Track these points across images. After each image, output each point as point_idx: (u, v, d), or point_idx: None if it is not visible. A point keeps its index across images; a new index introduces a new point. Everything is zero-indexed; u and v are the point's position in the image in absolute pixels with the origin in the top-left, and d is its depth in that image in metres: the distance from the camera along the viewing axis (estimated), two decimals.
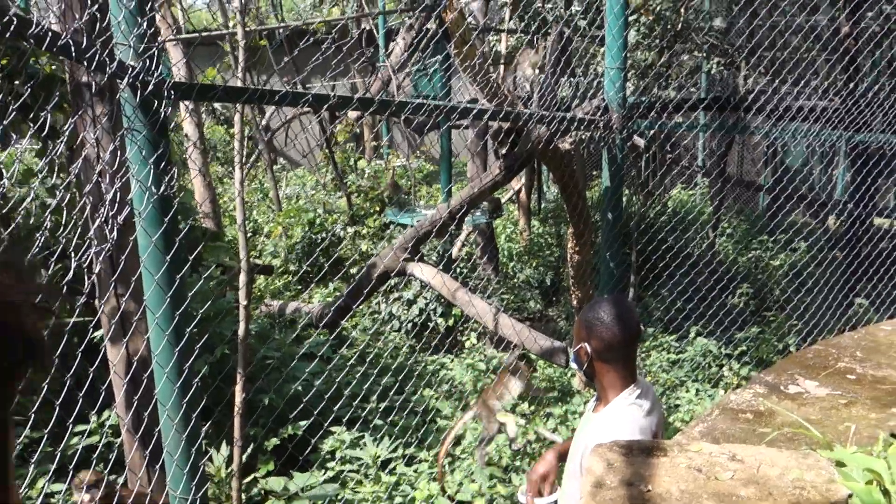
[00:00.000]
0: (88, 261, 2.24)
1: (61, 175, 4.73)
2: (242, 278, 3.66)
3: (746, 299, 9.11)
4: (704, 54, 6.71)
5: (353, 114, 10.70)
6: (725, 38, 6.52)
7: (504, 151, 4.19)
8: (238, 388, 3.75)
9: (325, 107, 2.44)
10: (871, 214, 11.02)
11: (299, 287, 8.73)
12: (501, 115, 3.21)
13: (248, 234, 9.51)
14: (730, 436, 2.37)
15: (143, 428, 4.07)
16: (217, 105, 14.42)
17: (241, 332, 3.67)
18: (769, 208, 13.38)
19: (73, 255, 2.11)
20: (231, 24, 9.83)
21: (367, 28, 11.34)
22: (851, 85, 7.90)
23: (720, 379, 6.86)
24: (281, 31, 10.09)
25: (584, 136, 4.37)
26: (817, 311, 8.22)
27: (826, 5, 8.47)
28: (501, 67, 6.20)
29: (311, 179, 11.21)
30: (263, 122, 10.68)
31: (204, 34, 8.52)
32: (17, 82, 3.90)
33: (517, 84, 4.11)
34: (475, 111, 3.02)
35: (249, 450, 4.50)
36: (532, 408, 5.26)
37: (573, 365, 2.55)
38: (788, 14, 7.20)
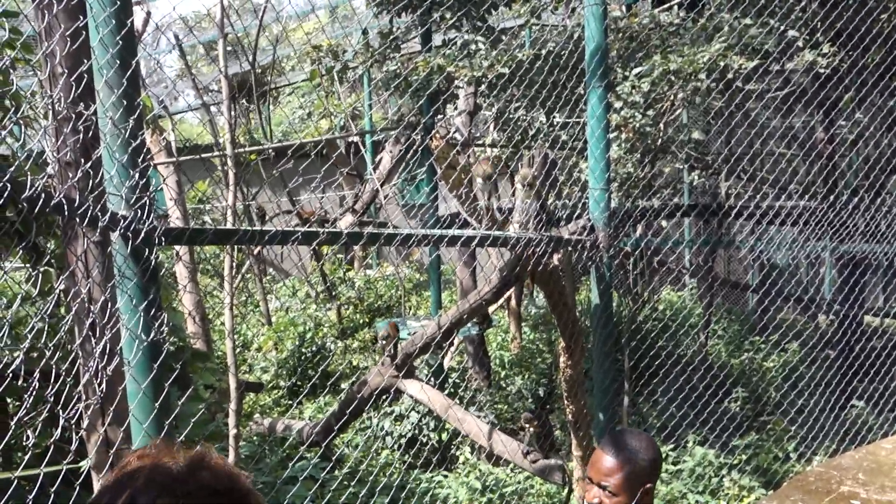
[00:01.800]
0: (77, 414, 2.20)
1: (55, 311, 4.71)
2: (233, 404, 3.60)
3: (742, 404, 9.03)
4: (685, 166, 6.89)
5: (342, 224, 10.83)
6: (704, 149, 6.71)
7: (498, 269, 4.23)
8: None
9: (315, 243, 2.48)
10: (861, 313, 11.08)
11: (290, 402, 8.60)
12: (489, 241, 3.26)
13: (237, 350, 9.43)
14: None
15: None
16: (207, 219, 14.57)
17: (231, 458, 3.58)
18: (758, 308, 13.43)
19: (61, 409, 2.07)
20: (221, 138, 10.07)
21: (354, 140, 11.62)
22: (829, 189, 8.08)
23: (720, 489, 6.70)
24: (269, 147, 10.32)
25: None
26: (814, 414, 8.13)
27: (799, 109, 8.75)
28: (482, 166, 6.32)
29: (302, 290, 11.22)
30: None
31: (193, 151, 8.69)
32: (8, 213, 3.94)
33: (502, 208, 4.18)
34: (463, 238, 3.06)
35: None
36: None
37: None
38: (764, 119, 7.45)
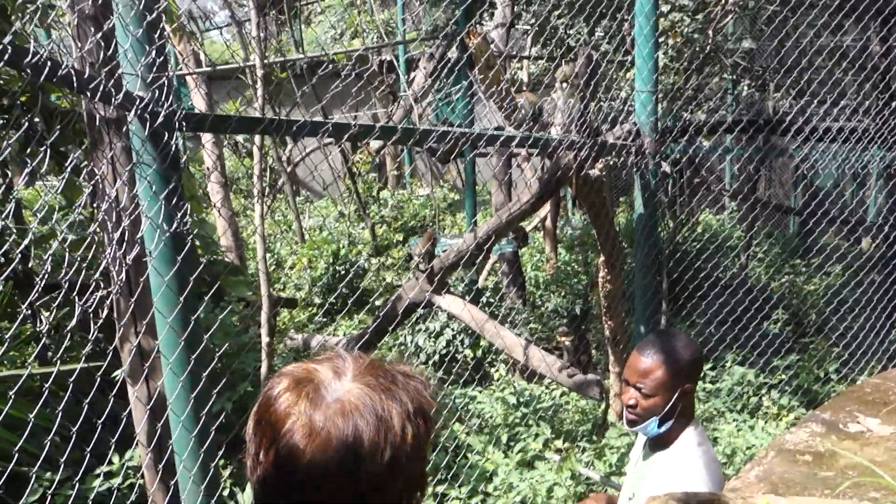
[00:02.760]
0: (100, 300, 2.12)
1: (83, 212, 4.66)
2: (265, 314, 3.53)
3: (782, 325, 8.86)
4: (734, 76, 6.55)
5: (375, 144, 10.65)
6: (754, 59, 6.36)
7: (537, 178, 4.06)
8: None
9: (346, 136, 2.33)
10: None
11: (324, 320, 8.62)
12: (530, 142, 3.08)
13: (271, 267, 9.43)
14: (789, 481, 2.18)
15: (163, 463, 3.95)
16: (240, 137, 14.48)
17: (263, 369, 3.54)
18: (800, 231, 13.10)
19: (82, 293, 1.99)
20: (252, 57, 9.86)
21: (388, 58, 11.32)
22: (883, 104, 7.68)
23: (758, 408, 6.60)
24: (301, 63, 10.10)
25: (614, 162, 4.23)
26: (857, 336, 7.94)
27: (852, 23, 8.27)
28: (526, 95, 6.09)
29: (334, 211, 11.14)
30: (286, 153, 10.66)
31: (222, 67, 8.52)
32: (35, 118, 3.85)
33: (545, 109, 3.98)
34: (502, 138, 2.89)
35: None
36: (566, 444, 5.06)
37: (651, 421, 2.39)
38: (817, 34, 7.05)
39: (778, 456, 2.30)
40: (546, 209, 10.72)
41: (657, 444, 2.48)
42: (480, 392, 6.34)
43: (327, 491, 1.03)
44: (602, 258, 4.90)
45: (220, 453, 2.34)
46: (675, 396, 2.38)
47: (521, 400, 5.99)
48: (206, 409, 2.18)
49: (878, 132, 5.64)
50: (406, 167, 12.99)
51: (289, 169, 10.98)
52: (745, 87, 6.51)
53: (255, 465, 1.08)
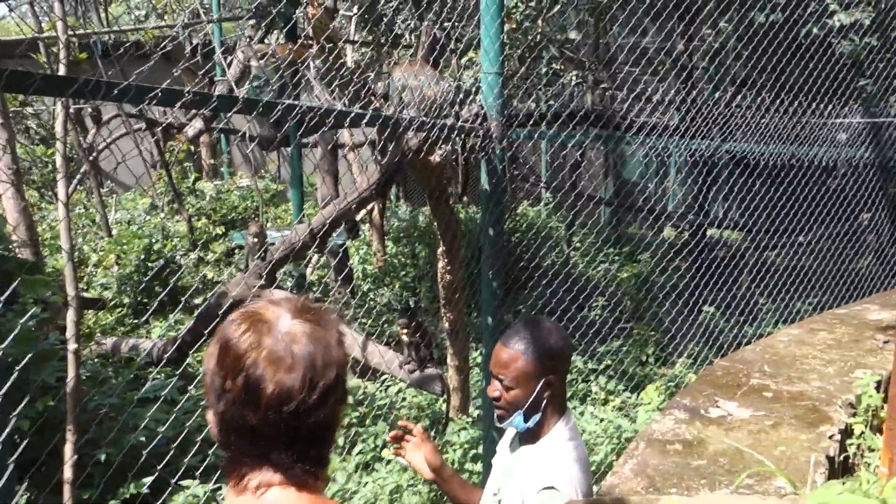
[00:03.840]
0: None
1: None
2: (70, 316, 3.05)
3: (602, 312, 9.20)
4: (561, 66, 6.65)
5: (190, 131, 9.96)
6: (579, 51, 6.49)
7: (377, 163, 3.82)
8: (68, 447, 3.12)
9: (180, 104, 1.99)
10: (706, 225, 11.58)
11: (135, 321, 7.90)
12: (380, 121, 2.83)
13: (75, 264, 8.53)
14: (664, 472, 2.10)
15: None
16: (31, 123, 13.10)
17: (69, 378, 3.05)
18: (611, 220, 13.80)
19: None
20: (48, 30, 8.86)
21: (201, 42, 10.60)
22: (689, 98, 8.15)
23: (587, 395, 6.78)
24: (104, 38, 9.22)
25: (455, 148, 4.09)
26: (670, 320, 8.40)
27: (661, 21, 8.70)
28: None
29: (145, 203, 10.30)
30: (88, 139, 9.70)
31: (10, 39, 7.58)
32: None
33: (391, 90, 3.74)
34: (352, 115, 2.63)
35: None
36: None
37: (516, 415, 2.22)
38: (632, 31, 7.33)
39: (649, 447, 2.23)
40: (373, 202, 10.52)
41: (526, 438, 2.33)
42: None
43: (295, 401, 1.26)
44: (442, 247, 4.75)
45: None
46: (538, 388, 2.23)
47: (357, 398, 5.75)
48: None
49: (683, 124, 5.92)
50: (224, 157, 12.28)
51: (91, 156, 10.02)
52: (572, 78, 6.64)
53: (220, 396, 1.28)
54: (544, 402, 2.25)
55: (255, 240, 4.79)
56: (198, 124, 9.77)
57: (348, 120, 2.58)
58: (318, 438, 1.32)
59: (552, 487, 2.11)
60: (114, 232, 8.91)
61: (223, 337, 1.30)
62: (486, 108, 3.56)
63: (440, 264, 4.86)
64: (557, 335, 2.26)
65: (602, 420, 5.71)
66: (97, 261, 8.18)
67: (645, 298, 9.84)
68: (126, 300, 7.92)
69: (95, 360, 6.44)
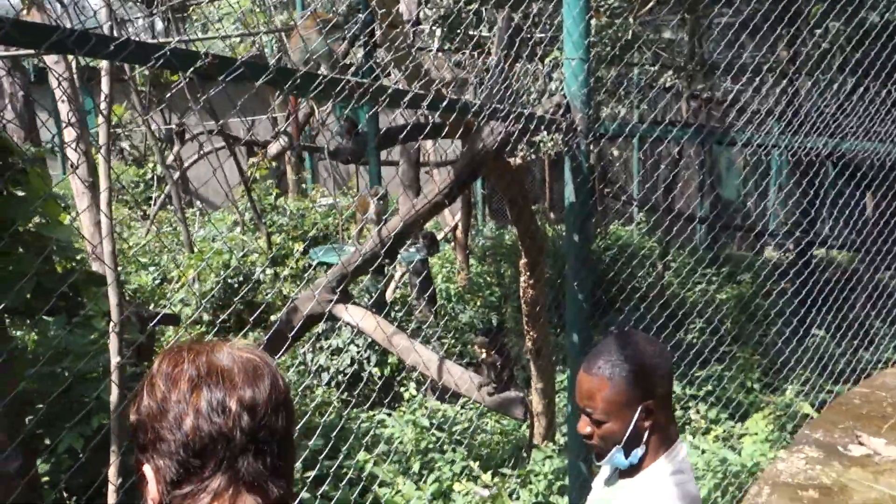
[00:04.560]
0: None
1: None
2: (113, 325, 2.81)
3: (699, 335, 8.59)
4: (656, 67, 6.18)
5: (272, 149, 9.92)
6: (675, 51, 6.02)
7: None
8: (112, 470, 2.88)
9: (263, 79, 1.71)
10: (813, 244, 10.78)
11: (215, 340, 7.79)
12: (444, 105, 2.49)
13: (156, 282, 8.54)
14: None
15: None
16: (125, 144, 13.44)
17: (112, 398, 2.81)
18: (710, 240, 13.09)
19: None
20: None
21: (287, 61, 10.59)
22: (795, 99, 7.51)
23: (686, 422, 6.21)
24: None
25: (539, 156, 3.74)
26: (777, 345, 7.72)
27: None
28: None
29: (229, 220, 10.30)
30: (173, 154, 9.78)
31: None
32: None
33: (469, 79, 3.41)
34: (410, 95, 2.30)
35: None
36: (489, 473, 4.47)
37: (614, 451, 1.85)
38: (734, 31, 6.79)
39: (775, 492, 1.77)
40: (457, 218, 10.22)
41: (626, 471, 1.93)
42: (389, 415, 5.70)
43: (260, 414, 1.20)
44: (524, 260, 4.37)
45: None
46: (636, 418, 1.82)
47: (435, 422, 5.38)
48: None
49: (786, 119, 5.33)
50: (307, 173, 12.23)
51: (177, 176, 10.10)
52: (668, 79, 6.16)
53: (172, 431, 1.17)
54: (646, 432, 1.84)
55: (368, 215, 4.39)
56: (281, 141, 9.73)
57: (406, 100, 2.24)
58: (287, 453, 1.25)
59: None
60: (196, 249, 8.89)
61: (161, 371, 1.22)
62: (569, 97, 3.18)
63: (522, 278, 4.47)
64: (652, 350, 1.85)
65: (703, 451, 5.16)
66: (177, 276, 8.14)
67: (748, 321, 9.15)
68: (206, 317, 7.83)
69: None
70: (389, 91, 2.25)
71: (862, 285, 8.44)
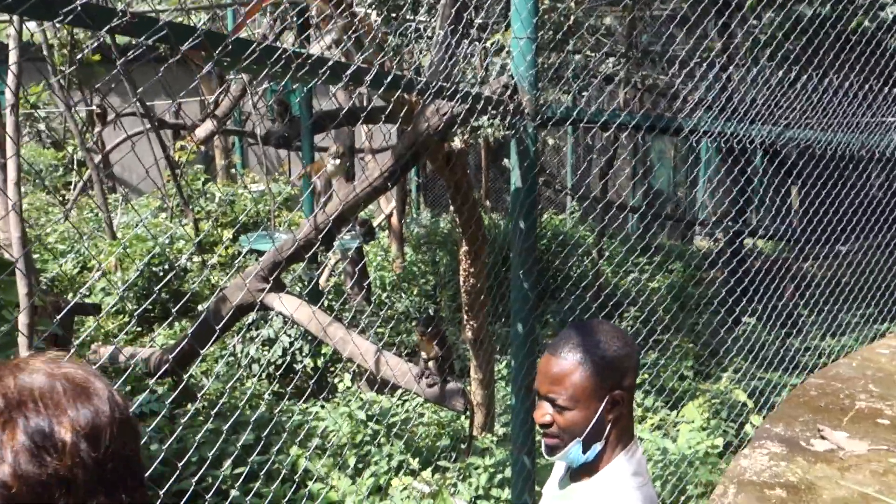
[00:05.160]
0: None
1: None
2: (23, 319, 2.57)
3: (633, 323, 8.64)
4: (599, 55, 6.11)
5: (200, 132, 9.55)
6: (615, 38, 5.96)
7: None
8: None
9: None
10: (742, 234, 11.00)
11: (139, 329, 7.45)
12: (389, 81, 2.33)
13: (75, 270, 8.12)
14: None
15: None
16: (42, 126, 12.79)
17: None
18: (642, 229, 13.24)
19: None
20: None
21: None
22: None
23: None
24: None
25: (477, 141, 3.61)
26: (709, 332, 7.82)
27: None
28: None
29: (153, 206, 9.89)
30: (93, 137, 9.31)
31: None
32: None
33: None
34: (353, 70, 2.13)
35: None
36: (425, 468, 4.34)
37: (573, 445, 1.73)
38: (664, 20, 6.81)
39: (741, 492, 1.68)
40: (391, 205, 10.04)
41: (579, 473, 1.81)
42: (323, 407, 5.51)
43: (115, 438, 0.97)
44: (465, 248, 4.24)
45: None
46: (602, 408, 1.71)
47: (370, 414, 5.22)
48: None
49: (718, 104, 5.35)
50: (237, 158, 11.84)
51: (98, 159, 9.63)
52: (610, 65, 6.10)
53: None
54: (608, 426, 1.73)
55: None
56: (209, 125, 9.37)
57: (348, 73, 2.07)
58: (141, 482, 1.03)
59: None
60: (119, 235, 8.49)
61: None
62: (516, 78, 3.05)
63: (462, 266, 4.35)
64: (622, 340, 1.76)
65: (642, 440, 5.14)
66: (97, 265, 7.75)
67: (680, 309, 9.26)
68: (129, 306, 7.48)
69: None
70: (330, 63, 2.07)
71: (791, 274, 8.63)
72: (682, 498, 4.27)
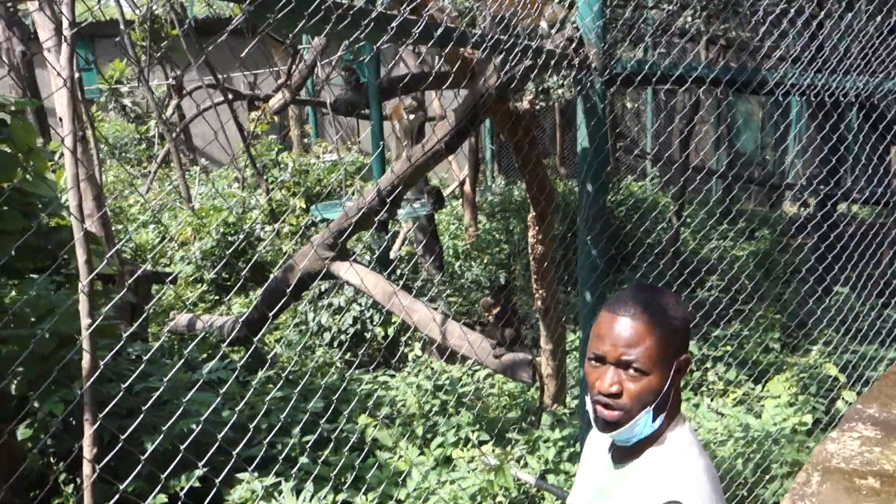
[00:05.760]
0: None
1: None
2: (83, 287, 2.55)
3: (716, 292, 8.30)
4: (674, 6, 5.75)
5: (274, 104, 9.61)
6: None
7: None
8: (87, 440, 2.64)
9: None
10: (835, 198, 10.41)
11: (216, 298, 7.57)
12: (440, 34, 2.18)
13: (155, 240, 8.30)
14: None
15: None
16: (127, 101, 13.12)
17: (84, 363, 2.56)
18: (724, 195, 12.72)
19: None
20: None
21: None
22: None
23: (702, 384, 5.96)
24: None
25: (543, 100, 3.41)
26: (797, 302, 7.42)
27: None
28: None
29: (231, 177, 10.02)
30: (170, 111, 9.47)
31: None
32: None
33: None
34: (400, 20, 1.99)
35: None
36: (494, 441, 4.23)
37: (642, 415, 1.56)
38: None
39: (827, 480, 1.50)
40: (464, 173, 9.90)
41: (628, 450, 1.64)
42: (393, 377, 5.46)
43: None
44: (532, 213, 4.07)
45: None
46: (672, 374, 1.56)
47: (440, 384, 5.14)
48: None
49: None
50: (310, 128, 11.89)
51: (178, 130, 9.81)
52: (689, 19, 5.74)
53: None
54: (672, 394, 1.58)
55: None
56: (282, 96, 9.40)
57: (394, 25, 1.93)
58: None
59: (677, 503, 1.46)
60: (197, 206, 8.63)
61: None
62: (582, 30, 2.84)
63: (531, 233, 4.18)
64: (683, 304, 1.63)
65: (723, 415, 4.90)
66: (178, 234, 7.90)
67: (765, 278, 8.84)
68: (207, 275, 7.60)
69: (170, 337, 6.10)
70: (374, 15, 1.94)
71: (889, 240, 8.10)
72: (766, 477, 4.05)
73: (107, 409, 2.48)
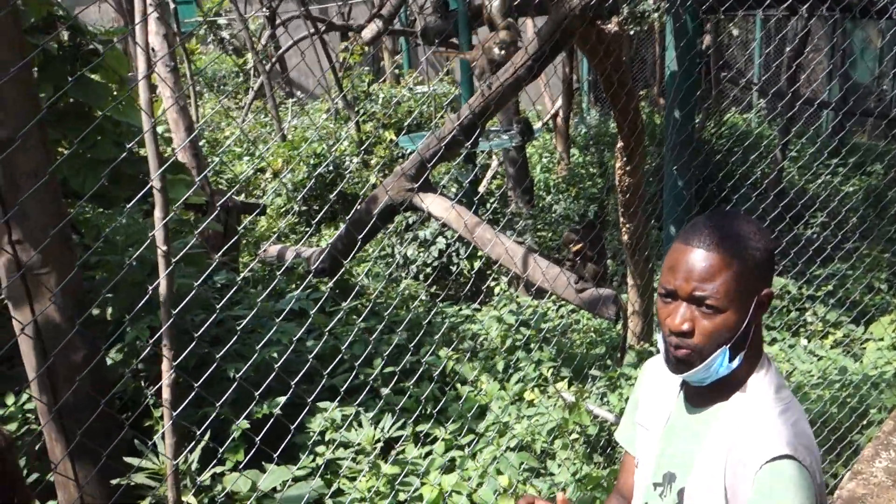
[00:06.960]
0: None
1: None
2: (158, 214, 2.60)
3: (820, 229, 7.87)
4: None
5: (367, 34, 9.53)
6: None
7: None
8: (165, 364, 2.73)
9: None
10: None
11: (307, 229, 7.71)
12: None
13: (249, 172, 8.48)
14: None
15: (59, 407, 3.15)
16: (225, 34, 13.31)
17: (161, 290, 2.63)
18: (835, 127, 11.96)
19: None
20: None
21: None
22: None
23: (800, 325, 5.70)
24: None
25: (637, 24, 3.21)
26: None
27: None
28: None
29: (323, 109, 10.09)
30: (263, 42, 9.54)
31: None
32: None
33: None
34: None
35: (206, 438, 3.45)
36: (574, 387, 4.17)
37: (717, 354, 1.44)
38: None
39: None
40: (557, 104, 9.64)
41: (710, 390, 1.53)
42: (478, 311, 5.45)
43: None
44: (620, 144, 3.90)
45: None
46: (752, 310, 1.42)
47: (523, 319, 5.09)
48: None
49: None
50: (401, 59, 11.79)
51: (270, 65, 9.90)
52: None
53: None
54: (752, 332, 1.44)
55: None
56: (375, 26, 9.31)
57: None
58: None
59: (789, 457, 1.33)
60: (289, 138, 8.75)
61: None
62: None
63: (617, 164, 4.02)
64: (767, 233, 1.46)
65: (820, 358, 4.68)
66: (266, 164, 8.04)
67: (877, 217, 8.31)
68: (296, 207, 7.74)
69: (261, 266, 6.27)
70: None
71: None
72: (863, 422, 3.85)
73: (194, 335, 2.55)
